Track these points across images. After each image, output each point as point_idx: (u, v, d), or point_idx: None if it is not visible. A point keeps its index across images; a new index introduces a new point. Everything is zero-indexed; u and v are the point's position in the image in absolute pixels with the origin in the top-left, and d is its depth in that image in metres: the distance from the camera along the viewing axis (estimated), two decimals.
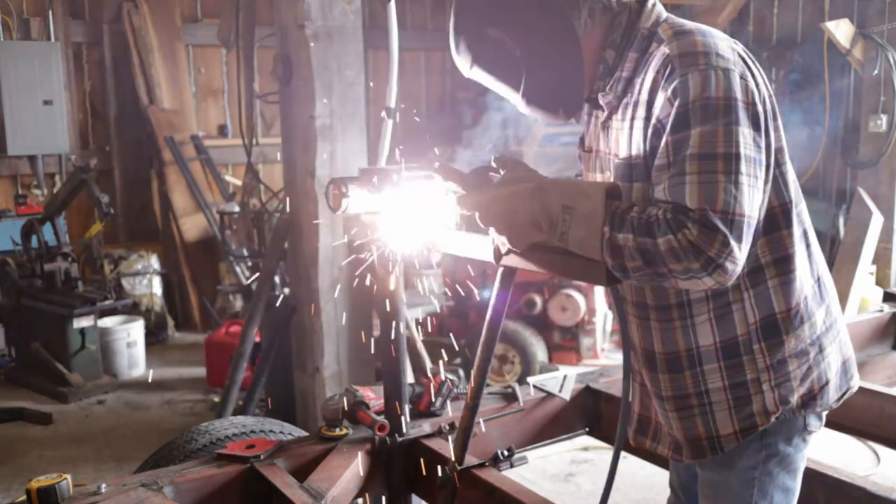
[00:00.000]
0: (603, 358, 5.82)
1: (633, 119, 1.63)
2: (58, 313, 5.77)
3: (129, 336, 6.24)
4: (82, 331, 5.81)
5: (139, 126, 7.68)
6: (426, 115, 9.52)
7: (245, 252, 5.67)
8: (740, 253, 1.45)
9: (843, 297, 5.95)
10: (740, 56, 1.58)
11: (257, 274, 5.00)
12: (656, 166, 1.53)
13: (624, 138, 1.65)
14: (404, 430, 2.33)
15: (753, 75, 1.57)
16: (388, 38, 3.99)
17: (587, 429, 2.76)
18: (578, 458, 4.33)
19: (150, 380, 5.99)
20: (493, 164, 1.67)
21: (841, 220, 6.51)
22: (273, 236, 4.52)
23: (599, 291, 5.75)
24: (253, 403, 4.44)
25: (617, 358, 5.68)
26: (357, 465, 2.24)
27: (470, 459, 2.13)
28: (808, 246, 1.70)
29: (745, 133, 1.49)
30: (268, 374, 4.49)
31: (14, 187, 7.35)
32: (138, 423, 5.26)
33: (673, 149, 1.50)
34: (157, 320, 7.16)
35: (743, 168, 1.47)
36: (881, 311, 3.61)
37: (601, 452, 4.32)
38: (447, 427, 2.39)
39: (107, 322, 6.31)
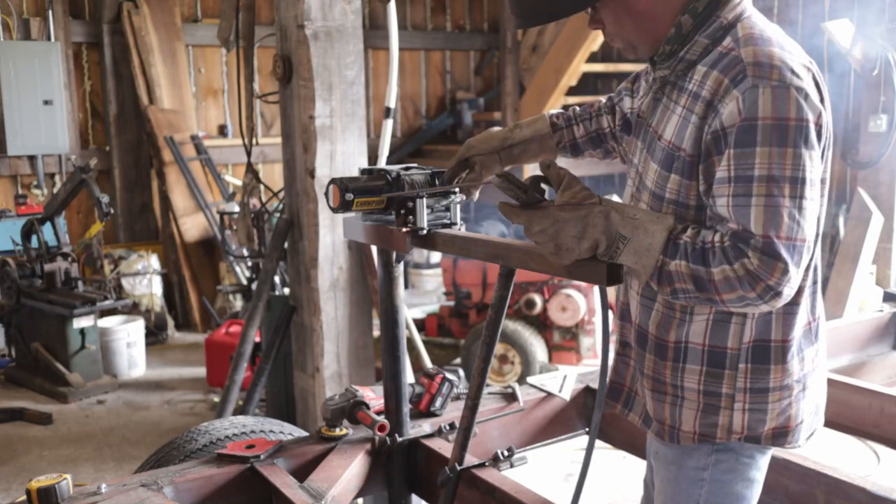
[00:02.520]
0: None
1: (686, 109, 1.60)
2: (58, 313, 5.77)
3: (129, 336, 6.24)
4: (82, 331, 5.82)
5: (139, 126, 7.69)
6: (426, 115, 9.52)
7: (245, 252, 5.66)
8: (798, 278, 1.48)
9: (843, 297, 5.95)
10: (813, 78, 1.55)
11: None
12: (717, 178, 1.52)
13: (672, 123, 1.63)
14: (404, 430, 2.33)
15: (822, 99, 1.55)
16: (389, 38, 3.99)
17: (587, 429, 2.76)
18: (578, 458, 4.33)
19: (144, 371, 5.99)
20: (543, 174, 1.63)
21: (841, 220, 6.51)
22: (273, 236, 4.52)
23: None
24: (253, 403, 4.44)
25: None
26: (357, 465, 2.24)
27: (470, 459, 2.13)
28: (815, 283, 1.70)
29: (812, 156, 1.49)
30: (268, 374, 4.49)
31: (14, 187, 7.35)
32: (138, 423, 5.26)
33: (735, 163, 1.49)
34: (157, 320, 7.16)
35: (807, 192, 1.48)
36: (881, 311, 3.61)
37: (601, 452, 4.33)
38: (447, 427, 2.39)
39: (107, 322, 6.31)
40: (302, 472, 2.19)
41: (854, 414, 2.70)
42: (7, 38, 7.11)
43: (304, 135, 4.10)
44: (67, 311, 5.69)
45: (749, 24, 1.60)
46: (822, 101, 1.55)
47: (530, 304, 5.66)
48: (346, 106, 4.14)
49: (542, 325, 5.71)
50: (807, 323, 1.69)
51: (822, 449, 3.46)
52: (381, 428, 2.29)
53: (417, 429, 2.40)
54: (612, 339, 1.86)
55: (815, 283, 1.69)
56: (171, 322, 7.31)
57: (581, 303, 5.61)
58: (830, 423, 2.71)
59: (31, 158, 7.30)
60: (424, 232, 1.97)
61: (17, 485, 4.33)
